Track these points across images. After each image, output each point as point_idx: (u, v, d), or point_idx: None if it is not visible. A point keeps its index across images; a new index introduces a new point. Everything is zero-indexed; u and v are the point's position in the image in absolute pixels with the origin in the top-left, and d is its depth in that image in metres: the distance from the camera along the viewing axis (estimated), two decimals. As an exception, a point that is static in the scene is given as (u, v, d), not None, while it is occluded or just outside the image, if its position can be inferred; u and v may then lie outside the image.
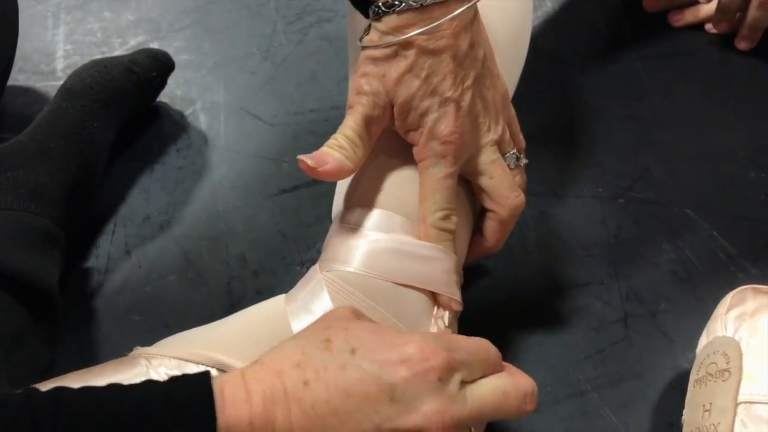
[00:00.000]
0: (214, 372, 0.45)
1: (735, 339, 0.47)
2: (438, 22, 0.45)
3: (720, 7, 0.74)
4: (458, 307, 0.50)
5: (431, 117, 0.47)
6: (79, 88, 0.65)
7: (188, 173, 0.69)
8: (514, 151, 0.52)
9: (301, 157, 0.46)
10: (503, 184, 0.50)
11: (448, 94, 0.47)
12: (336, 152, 0.47)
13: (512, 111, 0.53)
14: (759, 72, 0.74)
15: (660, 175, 0.67)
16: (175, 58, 0.72)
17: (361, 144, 0.48)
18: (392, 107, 0.48)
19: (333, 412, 0.37)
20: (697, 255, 0.62)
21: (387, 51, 0.47)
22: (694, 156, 0.68)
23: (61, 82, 0.67)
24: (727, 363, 0.45)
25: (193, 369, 0.46)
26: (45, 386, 0.44)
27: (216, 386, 0.37)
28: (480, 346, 0.42)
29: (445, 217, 0.49)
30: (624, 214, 0.65)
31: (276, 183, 0.68)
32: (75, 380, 0.46)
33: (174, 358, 0.47)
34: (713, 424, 0.43)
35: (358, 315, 0.43)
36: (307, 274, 0.50)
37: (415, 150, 0.49)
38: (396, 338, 0.39)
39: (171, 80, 0.72)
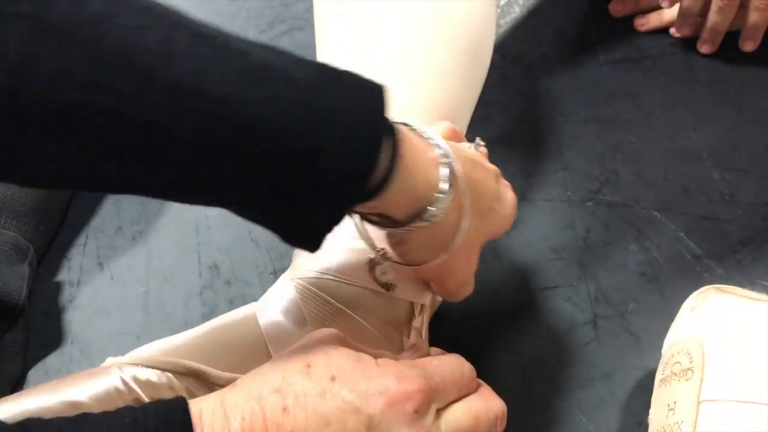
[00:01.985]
0: (184, 384, 0.45)
1: (698, 338, 0.47)
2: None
3: (681, 12, 0.75)
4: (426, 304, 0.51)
5: None
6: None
7: (160, 183, 0.69)
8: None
9: None
10: None
11: None
12: None
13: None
14: (722, 75, 0.75)
15: (627, 177, 0.68)
16: (146, 69, 0.72)
17: None
18: None
19: None
20: (664, 256, 0.63)
21: None
22: (659, 158, 0.69)
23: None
24: (691, 362, 0.46)
25: (166, 377, 0.46)
26: (16, 399, 0.45)
27: (193, 411, 0.36)
28: (455, 367, 0.43)
29: None
30: (592, 216, 0.66)
31: (248, 192, 0.68)
32: (47, 391, 0.46)
33: (146, 366, 0.47)
34: (677, 423, 0.44)
35: (340, 339, 0.43)
36: (278, 282, 0.51)
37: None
38: (375, 368, 0.40)
39: (142, 91, 0.72)
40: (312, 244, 0.41)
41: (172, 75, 0.33)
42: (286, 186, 0.37)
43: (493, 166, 0.49)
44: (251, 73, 0.35)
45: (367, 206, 0.40)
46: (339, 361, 0.40)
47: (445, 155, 0.42)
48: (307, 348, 0.41)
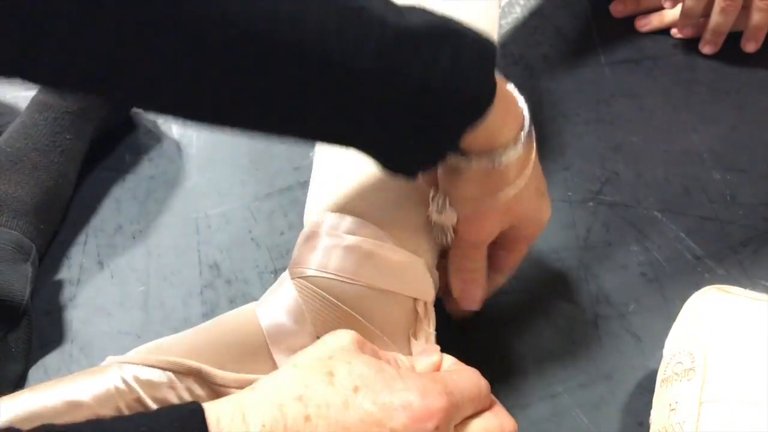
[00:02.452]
0: (185, 384, 0.45)
1: (700, 338, 0.47)
2: None
3: (684, 13, 0.75)
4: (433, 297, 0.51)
5: None
6: (52, 99, 0.65)
7: (160, 182, 0.69)
8: None
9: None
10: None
11: None
12: None
13: None
14: (723, 76, 0.75)
15: (628, 178, 0.68)
16: (146, 68, 0.72)
17: None
18: None
19: None
20: (665, 256, 0.63)
21: None
22: (660, 159, 0.69)
23: (33, 93, 0.67)
24: (692, 362, 0.46)
25: (167, 376, 0.46)
26: (17, 398, 0.45)
27: (210, 417, 0.36)
28: (472, 383, 0.43)
29: None
30: (593, 217, 0.66)
31: (248, 191, 0.68)
32: (47, 390, 0.46)
33: (146, 365, 0.47)
34: (679, 423, 0.44)
35: (359, 343, 0.43)
36: (279, 281, 0.50)
37: None
38: (398, 380, 0.40)
39: (142, 90, 0.72)
40: (413, 171, 0.44)
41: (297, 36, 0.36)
42: (413, 108, 0.39)
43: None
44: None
45: None
46: (362, 370, 0.39)
47: (526, 116, 0.45)
48: (329, 353, 0.41)
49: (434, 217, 0.49)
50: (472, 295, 0.53)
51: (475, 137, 0.43)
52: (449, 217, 0.49)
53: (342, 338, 0.42)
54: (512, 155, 0.45)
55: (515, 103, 0.46)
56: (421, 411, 0.39)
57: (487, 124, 0.42)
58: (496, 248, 0.53)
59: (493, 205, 0.48)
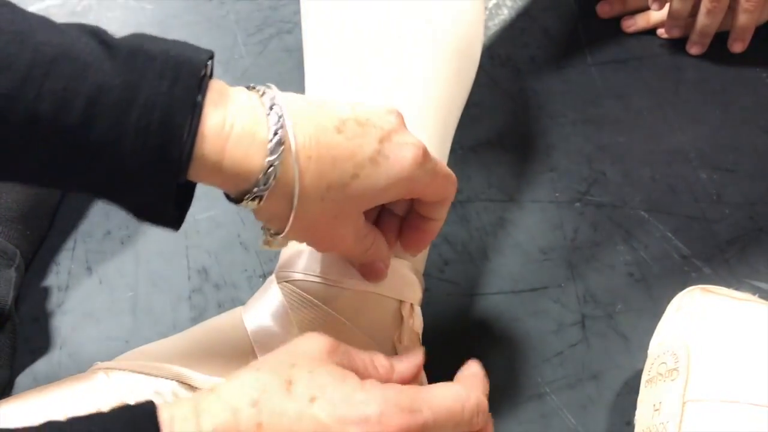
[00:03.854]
0: (170, 389, 0.45)
1: (683, 339, 0.48)
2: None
3: (671, 14, 0.76)
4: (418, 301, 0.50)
5: None
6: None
7: (149, 187, 0.69)
8: None
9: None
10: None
11: None
12: None
13: None
14: (709, 76, 0.75)
15: (615, 178, 0.68)
16: (134, 73, 0.72)
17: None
18: None
19: None
20: (652, 256, 0.63)
21: None
22: (647, 159, 0.69)
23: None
24: (676, 362, 0.46)
25: (152, 382, 0.46)
26: (3, 405, 0.45)
27: (164, 418, 0.35)
28: (452, 400, 0.40)
29: None
30: (580, 217, 0.66)
31: (237, 195, 0.68)
32: (35, 397, 0.46)
33: (133, 371, 0.47)
34: (662, 423, 0.44)
35: (330, 350, 0.41)
36: (264, 285, 0.51)
37: None
38: (359, 393, 0.38)
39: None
40: (169, 222, 0.41)
41: None
42: (97, 173, 0.38)
43: (389, 121, 0.43)
44: (41, 66, 0.36)
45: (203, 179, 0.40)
46: (322, 380, 0.38)
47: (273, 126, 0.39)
48: (292, 359, 0.39)
49: (264, 248, 0.45)
50: (375, 272, 0.48)
51: (212, 183, 0.40)
52: (281, 244, 0.45)
53: (310, 344, 0.41)
54: (258, 191, 0.40)
55: (247, 132, 0.39)
56: (378, 427, 0.37)
57: (204, 171, 0.39)
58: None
59: (304, 226, 0.42)
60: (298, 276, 0.49)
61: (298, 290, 0.48)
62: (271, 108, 0.40)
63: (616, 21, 0.80)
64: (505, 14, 0.82)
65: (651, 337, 0.54)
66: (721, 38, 0.76)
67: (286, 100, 0.41)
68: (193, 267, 0.63)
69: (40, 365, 0.57)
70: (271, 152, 0.39)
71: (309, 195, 0.40)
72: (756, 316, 0.48)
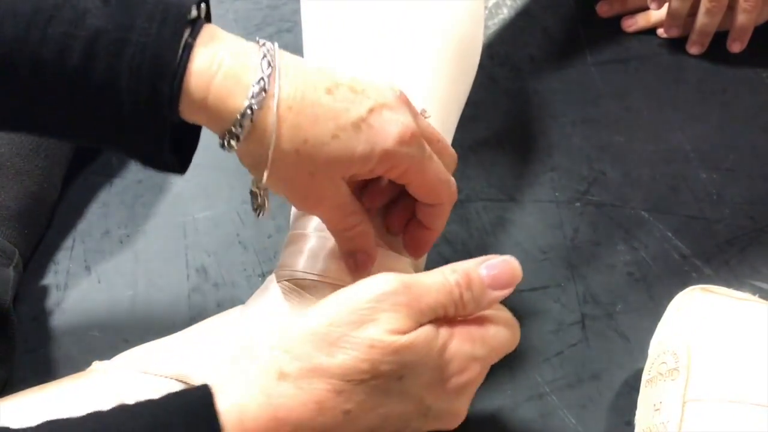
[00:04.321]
0: (169, 388, 0.45)
1: (684, 339, 0.48)
2: None
3: (670, 14, 0.76)
4: None
5: None
6: (36, 104, 0.65)
7: (148, 187, 0.68)
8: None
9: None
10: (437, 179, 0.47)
11: None
12: None
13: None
14: (709, 75, 0.75)
15: (615, 177, 0.68)
16: (133, 72, 0.72)
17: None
18: None
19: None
20: (652, 256, 0.63)
21: None
22: (647, 158, 0.69)
23: (17, 98, 0.67)
24: (676, 362, 0.46)
25: (151, 381, 0.46)
26: (1, 404, 0.44)
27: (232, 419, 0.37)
28: (512, 340, 0.46)
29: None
30: (580, 217, 0.66)
31: (236, 194, 0.68)
32: (32, 396, 0.46)
33: (133, 371, 0.47)
34: (663, 423, 0.44)
35: (408, 293, 0.41)
36: (264, 284, 0.51)
37: None
38: (440, 355, 0.41)
39: (129, 93, 0.72)
40: (169, 166, 0.44)
41: None
42: (98, 117, 0.40)
43: (385, 96, 0.44)
44: (44, 12, 0.39)
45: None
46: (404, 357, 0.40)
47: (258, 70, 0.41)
48: (380, 350, 0.40)
49: (257, 216, 0.47)
50: (357, 263, 0.48)
51: (198, 121, 0.42)
52: (268, 208, 0.47)
53: (387, 318, 0.40)
54: (240, 131, 0.41)
55: (244, 67, 0.41)
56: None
57: (191, 111, 0.41)
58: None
59: (280, 176, 0.44)
60: (298, 275, 0.48)
61: (298, 289, 0.48)
62: (264, 57, 0.41)
63: (616, 20, 0.80)
64: (504, 13, 0.82)
65: (651, 337, 0.54)
66: (721, 38, 0.76)
67: (285, 55, 0.43)
68: (192, 266, 0.63)
69: (38, 364, 0.57)
70: (253, 96, 0.40)
71: (284, 144, 0.41)
72: (756, 316, 0.48)
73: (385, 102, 0.43)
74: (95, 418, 0.37)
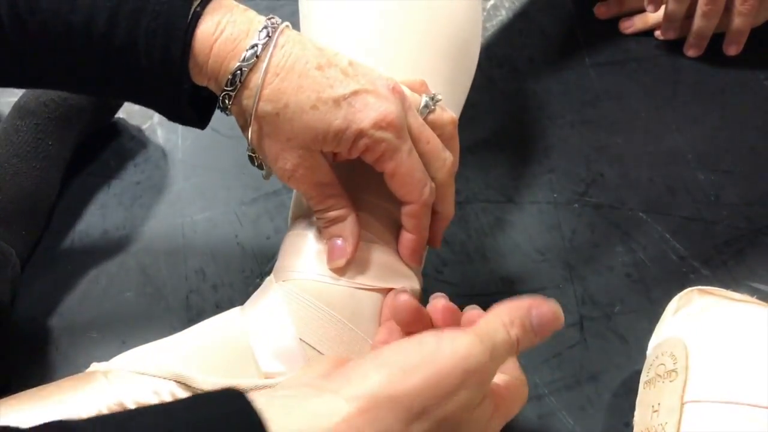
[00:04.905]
0: (168, 389, 0.45)
1: (682, 340, 0.48)
2: None
3: (667, 17, 0.76)
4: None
5: None
6: (34, 106, 0.65)
7: (146, 188, 0.68)
8: (425, 98, 0.49)
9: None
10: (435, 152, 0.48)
11: None
12: None
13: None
14: (707, 77, 0.75)
15: (613, 179, 0.68)
16: (131, 73, 0.72)
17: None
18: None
19: None
20: (650, 257, 0.63)
21: None
22: (645, 160, 0.69)
23: (15, 99, 0.67)
24: (675, 363, 0.46)
25: (150, 382, 0.46)
26: (-1, 406, 0.44)
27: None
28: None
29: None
30: (578, 218, 0.66)
31: (234, 195, 0.68)
32: (31, 398, 0.45)
33: (130, 371, 0.47)
34: (661, 424, 0.44)
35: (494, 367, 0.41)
36: (263, 285, 0.50)
37: None
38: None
39: (127, 95, 0.72)
40: (193, 121, 0.48)
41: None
42: (121, 76, 0.45)
43: (376, 85, 0.45)
44: None
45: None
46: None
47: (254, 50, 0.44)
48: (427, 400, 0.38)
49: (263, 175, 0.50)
50: (335, 250, 0.48)
51: (204, 80, 0.45)
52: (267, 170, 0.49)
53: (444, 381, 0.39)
54: (238, 83, 0.44)
55: (231, 41, 0.44)
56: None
57: (196, 72, 0.45)
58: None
59: (260, 128, 0.46)
60: (296, 276, 0.48)
61: (297, 289, 0.48)
62: (264, 28, 0.45)
63: (613, 22, 0.80)
64: (502, 15, 0.82)
65: (649, 338, 0.54)
66: (718, 40, 0.76)
67: (289, 32, 0.46)
68: (191, 267, 0.63)
69: (36, 366, 0.57)
70: (245, 59, 0.44)
71: (267, 105, 0.45)
72: (754, 318, 0.48)
73: (372, 88, 0.45)
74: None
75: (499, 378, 0.45)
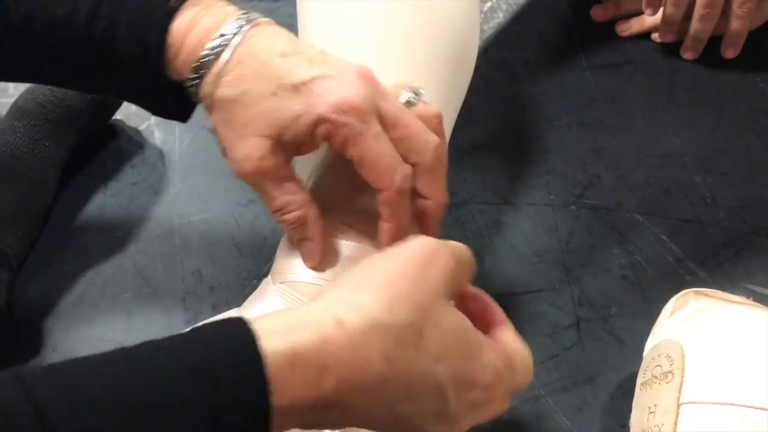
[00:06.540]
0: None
1: (678, 342, 0.48)
2: None
3: (665, 20, 0.76)
4: None
5: None
6: (31, 107, 0.65)
7: (143, 189, 0.68)
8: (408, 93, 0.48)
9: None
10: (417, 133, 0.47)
11: None
12: None
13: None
14: (703, 80, 0.76)
15: (609, 181, 0.68)
16: (128, 74, 0.72)
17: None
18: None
19: (396, 415, 0.36)
20: (647, 259, 0.63)
21: None
22: (642, 162, 0.70)
23: (12, 100, 0.67)
24: (671, 365, 0.47)
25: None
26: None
27: (282, 358, 0.33)
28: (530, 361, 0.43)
29: None
30: (575, 220, 0.66)
31: (231, 197, 0.68)
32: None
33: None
34: (657, 426, 0.44)
35: (461, 269, 0.42)
36: (260, 287, 0.50)
37: None
38: (476, 359, 0.39)
39: (124, 96, 0.72)
40: (172, 114, 0.50)
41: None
42: (101, 69, 0.47)
43: (341, 72, 0.45)
44: None
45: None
46: (449, 338, 0.38)
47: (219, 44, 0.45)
48: (422, 298, 0.37)
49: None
50: (304, 251, 0.48)
51: (179, 72, 0.46)
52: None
53: (435, 275, 0.39)
54: (202, 71, 0.45)
55: (217, 26, 0.45)
56: (484, 395, 0.39)
57: (177, 57, 0.45)
58: None
59: (219, 111, 0.46)
60: (293, 277, 0.48)
61: (294, 291, 0.48)
62: (238, 20, 0.45)
63: (610, 25, 0.80)
64: (500, 18, 0.82)
65: (646, 340, 0.54)
66: (715, 43, 0.77)
67: (264, 25, 0.46)
68: (188, 269, 0.63)
69: (33, 367, 0.57)
70: (213, 48, 0.45)
71: (227, 90, 0.45)
72: (750, 319, 0.48)
73: (336, 74, 0.44)
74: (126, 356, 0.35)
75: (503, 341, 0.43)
